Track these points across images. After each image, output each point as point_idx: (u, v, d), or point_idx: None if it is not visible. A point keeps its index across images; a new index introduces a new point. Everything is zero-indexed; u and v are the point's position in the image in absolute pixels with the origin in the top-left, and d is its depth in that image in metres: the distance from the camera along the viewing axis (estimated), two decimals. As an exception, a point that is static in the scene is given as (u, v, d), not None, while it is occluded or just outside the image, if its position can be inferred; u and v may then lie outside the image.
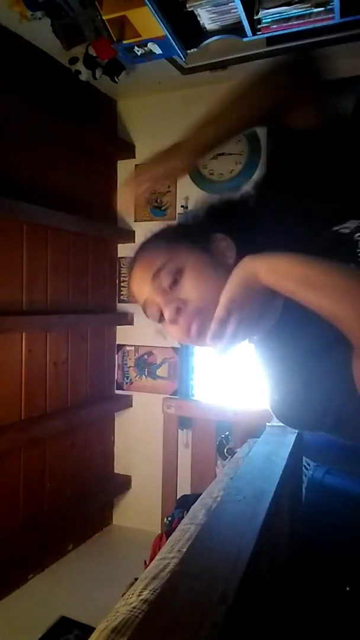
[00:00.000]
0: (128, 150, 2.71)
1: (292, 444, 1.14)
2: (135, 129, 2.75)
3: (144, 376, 2.72)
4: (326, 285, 0.61)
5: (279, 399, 0.84)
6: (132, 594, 0.80)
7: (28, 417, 2.16)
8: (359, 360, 0.63)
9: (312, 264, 0.63)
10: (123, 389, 2.77)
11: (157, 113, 2.67)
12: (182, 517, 1.32)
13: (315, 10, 1.69)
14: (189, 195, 2.57)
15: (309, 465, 1.64)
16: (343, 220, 0.73)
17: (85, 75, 2.13)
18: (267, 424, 1.42)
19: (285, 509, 1.01)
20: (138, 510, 2.67)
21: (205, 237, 0.80)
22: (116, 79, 2.27)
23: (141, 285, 0.79)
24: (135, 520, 2.68)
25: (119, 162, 2.77)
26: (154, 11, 1.63)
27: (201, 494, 1.36)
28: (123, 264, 2.76)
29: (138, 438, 2.72)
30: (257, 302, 0.70)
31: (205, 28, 1.83)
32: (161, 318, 0.78)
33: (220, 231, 0.80)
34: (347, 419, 0.71)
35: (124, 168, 2.76)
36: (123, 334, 2.76)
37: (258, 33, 1.79)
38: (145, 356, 2.71)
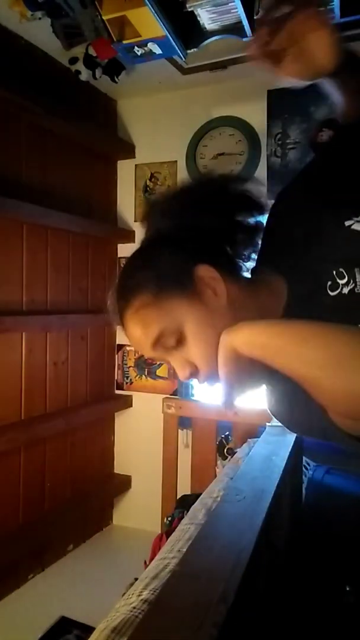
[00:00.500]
0: (128, 150, 2.72)
1: (292, 444, 1.14)
2: (135, 129, 2.75)
3: (144, 376, 2.72)
4: (299, 356, 0.60)
5: (275, 402, 0.84)
6: (132, 594, 0.80)
7: (28, 417, 2.16)
8: (331, 414, 0.65)
9: (287, 332, 0.63)
10: (123, 389, 2.77)
11: (157, 113, 2.67)
12: (182, 517, 1.32)
13: (315, 10, 1.69)
14: (189, 195, 2.57)
15: (309, 465, 1.64)
16: (356, 212, 0.72)
17: (85, 75, 2.13)
18: (267, 424, 1.42)
19: (285, 509, 1.02)
20: (138, 510, 2.67)
21: (185, 272, 0.72)
22: (116, 79, 2.27)
23: (141, 347, 0.75)
24: (135, 520, 2.68)
25: (119, 162, 2.77)
26: (154, 11, 1.63)
27: (201, 494, 1.36)
28: (123, 264, 2.75)
29: (138, 438, 2.72)
30: (251, 366, 0.67)
31: (205, 28, 1.83)
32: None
33: (197, 259, 0.73)
34: (331, 436, 0.71)
35: (124, 168, 2.76)
36: (123, 334, 2.75)
37: (258, 33, 1.78)
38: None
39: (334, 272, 0.73)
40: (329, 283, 0.73)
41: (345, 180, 0.75)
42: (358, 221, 0.71)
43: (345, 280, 0.72)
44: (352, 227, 0.72)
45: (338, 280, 0.72)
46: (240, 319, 0.67)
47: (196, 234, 0.74)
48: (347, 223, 0.72)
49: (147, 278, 0.73)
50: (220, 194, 0.79)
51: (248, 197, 0.79)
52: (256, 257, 0.83)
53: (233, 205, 0.79)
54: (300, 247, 0.77)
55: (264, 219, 0.84)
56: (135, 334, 0.74)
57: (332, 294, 0.73)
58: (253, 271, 0.82)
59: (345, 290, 0.72)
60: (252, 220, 0.82)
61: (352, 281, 0.72)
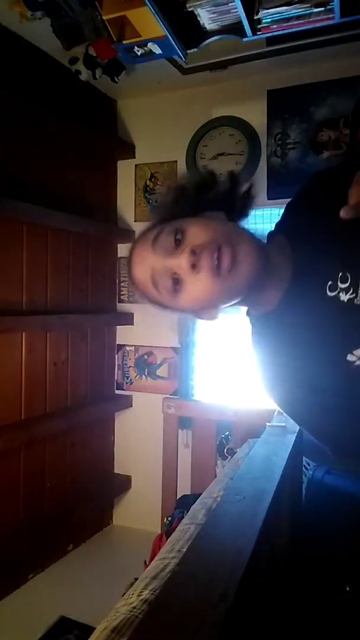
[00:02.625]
0: (128, 150, 2.72)
1: (292, 444, 1.14)
2: (135, 129, 2.75)
3: (144, 376, 2.72)
4: None
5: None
6: (132, 594, 0.80)
7: (28, 417, 2.16)
8: None
9: None
10: (123, 389, 2.78)
11: (157, 113, 2.68)
12: (182, 517, 1.32)
13: (315, 10, 1.69)
14: (189, 195, 2.57)
15: (309, 465, 1.64)
16: None
17: (85, 75, 2.13)
18: (267, 424, 1.42)
19: (285, 509, 1.02)
20: (138, 510, 2.67)
21: (195, 207, 0.79)
22: (116, 79, 2.27)
23: (143, 260, 0.75)
24: (135, 520, 2.68)
25: (119, 162, 2.77)
26: (154, 11, 1.63)
27: (201, 494, 1.36)
28: (123, 264, 2.76)
29: (138, 438, 2.72)
30: None
31: (205, 28, 1.83)
32: (175, 287, 0.72)
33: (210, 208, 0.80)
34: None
35: (124, 168, 2.76)
36: (123, 334, 2.76)
37: (258, 33, 1.78)
38: (145, 356, 2.71)
39: (339, 274, 0.72)
40: (330, 283, 0.73)
41: None
42: None
43: (347, 285, 0.71)
44: None
45: (339, 283, 0.72)
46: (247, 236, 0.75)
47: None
48: None
49: (160, 214, 0.81)
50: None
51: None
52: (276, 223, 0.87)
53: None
54: (316, 236, 0.77)
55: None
56: (136, 248, 0.79)
57: (329, 294, 0.73)
58: (269, 234, 0.85)
59: (344, 297, 0.71)
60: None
61: (352, 290, 0.71)
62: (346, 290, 0.71)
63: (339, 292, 0.72)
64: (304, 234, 0.79)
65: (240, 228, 0.78)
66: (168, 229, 0.73)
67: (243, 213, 0.85)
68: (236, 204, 0.84)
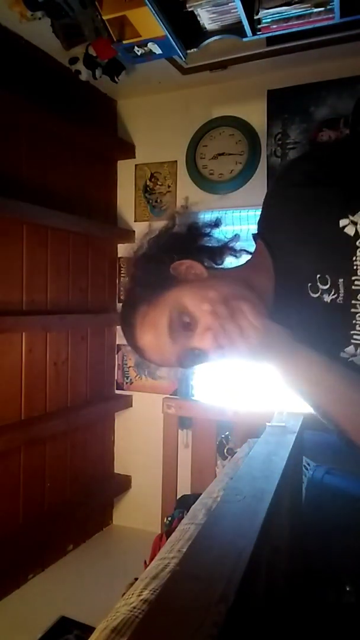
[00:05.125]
0: (128, 150, 2.72)
1: (292, 444, 1.14)
2: (135, 129, 2.75)
3: (144, 376, 2.71)
4: (328, 387, 0.72)
5: None
6: (132, 594, 0.80)
7: (28, 417, 2.16)
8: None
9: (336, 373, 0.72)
10: (123, 389, 2.77)
11: (157, 113, 2.67)
12: (182, 517, 1.32)
13: (315, 10, 1.69)
14: (189, 195, 2.57)
15: (309, 465, 1.64)
16: (353, 209, 0.70)
17: (85, 75, 2.13)
18: (267, 424, 1.42)
19: (285, 509, 1.02)
20: (138, 510, 2.67)
21: (163, 272, 0.78)
22: (116, 79, 2.27)
23: (161, 348, 0.77)
24: (135, 520, 2.68)
25: (119, 162, 2.77)
26: (154, 11, 1.63)
27: (201, 494, 1.36)
28: (123, 264, 2.76)
29: (138, 438, 2.72)
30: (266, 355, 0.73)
31: (205, 28, 1.83)
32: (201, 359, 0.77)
33: (170, 259, 0.79)
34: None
35: (124, 168, 2.76)
36: (123, 336, 2.76)
37: (258, 33, 1.79)
38: (145, 356, 2.71)
39: (317, 276, 0.73)
40: (309, 284, 0.73)
41: (346, 176, 0.74)
42: (353, 222, 0.70)
43: (327, 287, 0.72)
44: (345, 230, 0.70)
45: (319, 284, 0.73)
46: (231, 280, 0.75)
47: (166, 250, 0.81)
48: (341, 223, 0.71)
49: (135, 295, 0.79)
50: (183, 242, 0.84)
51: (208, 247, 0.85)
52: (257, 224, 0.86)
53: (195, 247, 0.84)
54: (293, 238, 0.77)
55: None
56: (149, 339, 0.77)
57: (312, 295, 0.74)
58: (253, 236, 0.85)
59: (327, 298, 0.72)
60: (216, 244, 0.86)
61: (334, 291, 0.71)
62: (328, 292, 0.72)
63: (321, 294, 0.73)
64: (280, 236, 0.79)
65: (228, 281, 0.77)
66: (175, 313, 0.73)
67: (220, 255, 0.85)
68: (208, 250, 0.85)
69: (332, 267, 0.72)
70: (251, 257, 0.84)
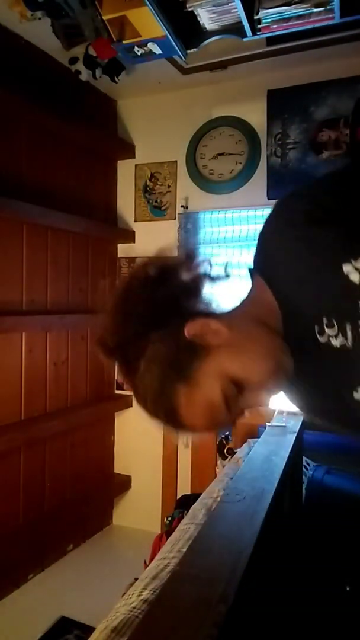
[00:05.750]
0: (128, 150, 2.72)
1: (292, 444, 1.14)
2: (135, 129, 2.75)
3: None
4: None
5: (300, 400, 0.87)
6: (132, 594, 0.80)
7: (28, 417, 2.16)
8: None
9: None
10: (123, 389, 2.77)
11: (157, 113, 2.67)
12: (182, 517, 1.32)
13: (315, 10, 1.69)
14: (188, 195, 2.58)
15: (309, 465, 1.64)
16: (356, 255, 0.68)
17: (85, 75, 2.13)
18: (267, 424, 1.42)
19: (285, 509, 1.02)
20: (138, 510, 2.67)
21: (182, 346, 0.71)
22: (116, 79, 2.27)
23: (219, 419, 0.74)
24: (135, 520, 2.68)
25: (119, 162, 2.77)
26: (154, 11, 1.63)
27: (201, 494, 1.36)
28: (123, 264, 2.76)
29: (138, 438, 2.72)
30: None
31: (205, 28, 1.83)
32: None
33: (177, 329, 0.71)
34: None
35: (124, 168, 2.76)
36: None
37: (258, 33, 1.79)
38: (145, 356, 2.71)
39: (324, 319, 0.71)
40: (317, 327, 0.72)
41: (346, 215, 0.71)
42: (357, 268, 0.67)
43: (335, 331, 0.71)
44: (350, 276, 0.68)
45: (326, 329, 0.71)
46: (253, 328, 0.73)
47: (153, 320, 0.73)
48: (345, 268, 0.68)
49: (164, 376, 0.73)
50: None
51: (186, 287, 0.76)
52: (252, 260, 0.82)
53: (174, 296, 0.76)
54: (295, 278, 0.74)
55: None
56: (203, 417, 0.73)
57: (321, 340, 0.72)
58: (250, 271, 0.81)
59: (336, 343, 0.71)
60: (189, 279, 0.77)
61: (341, 335, 0.70)
62: (335, 336, 0.71)
63: (329, 339, 0.72)
64: (280, 274, 0.76)
65: (251, 329, 0.75)
66: (223, 385, 0.72)
67: (195, 289, 0.77)
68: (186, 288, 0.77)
69: (337, 311, 0.70)
70: (251, 293, 0.80)
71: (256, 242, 0.81)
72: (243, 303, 0.79)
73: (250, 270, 0.81)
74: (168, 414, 0.75)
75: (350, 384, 0.73)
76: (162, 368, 0.72)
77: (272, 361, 0.72)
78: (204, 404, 0.71)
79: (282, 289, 0.75)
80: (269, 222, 0.79)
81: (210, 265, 0.79)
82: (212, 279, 0.78)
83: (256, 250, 0.81)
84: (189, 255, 0.79)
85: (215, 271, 0.78)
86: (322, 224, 0.70)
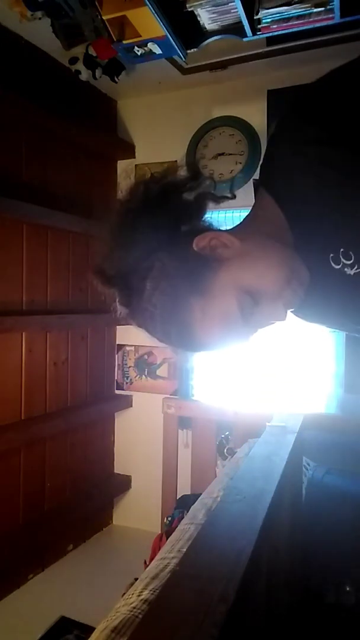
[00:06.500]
0: (128, 150, 2.72)
1: (292, 444, 1.14)
2: (135, 129, 2.75)
3: (144, 376, 2.72)
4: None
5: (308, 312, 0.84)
6: (132, 594, 0.80)
7: (28, 417, 2.16)
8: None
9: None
10: (123, 389, 2.77)
11: (157, 113, 2.67)
12: (182, 517, 1.32)
13: (315, 10, 1.69)
14: (189, 195, 2.57)
15: (309, 465, 1.64)
16: None
17: (85, 75, 2.13)
18: (267, 423, 1.42)
19: (285, 509, 1.02)
20: (138, 510, 2.67)
21: (191, 258, 0.69)
22: (116, 79, 2.27)
23: (236, 333, 0.72)
24: (135, 520, 2.68)
25: (119, 162, 2.77)
26: (154, 11, 1.63)
27: (201, 494, 1.36)
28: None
29: (138, 438, 2.72)
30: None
31: (205, 28, 1.83)
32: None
33: (183, 241, 0.70)
34: None
35: (124, 168, 2.76)
36: (123, 334, 2.76)
37: (258, 33, 1.78)
38: (145, 356, 2.71)
39: (340, 250, 0.69)
40: (331, 255, 0.70)
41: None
42: None
43: (351, 262, 0.69)
44: None
45: (342, 258, 0.70)
46: (264, 239, 0.71)
47: (158, 240, 0.70)
48: None
49: (176, 290, 0.69)
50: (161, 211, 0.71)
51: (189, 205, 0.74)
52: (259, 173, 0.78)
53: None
54: (312, 206, 0.70)
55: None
56: (220, 330, 0.71)
57: (334, 266, 0.71)
58: (255, 182, 0.78)
59: (350, 271, 0.70)
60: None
61: (357, 266, 0.69)
62: (351, 266, 0.69)
63: (343, 267, 0.70)
64: (295, 197, 0.71)
65: (264, 240, 0.72)
66: (239, 296, 0.70)
67: (199, 207, 0.74)
68: (188, 206, 0.74)
69: (356, 244, 0.69)
70: (257, 208, 0.77)
71: (264, 154, 0.76)
72: (249, 217, 0.77)
73: (255, 182, 0.78)
74: (181, 332, 0.71)
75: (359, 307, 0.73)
76: (174, 284, 0.69)
77: (287, 269, 0.70)
78: (221, 316, 0.69)
79: (296, 210, 0.72)
80: (279, 139, 0.74)
81: (214, 183, 0.75)
82: (216, 198, 0.75)
83: (263, 163, 0.77)
84: (192, 173, 0.75)
85: (219, 190, 0.76)
86: (335, 160, 0.66)
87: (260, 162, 0.77)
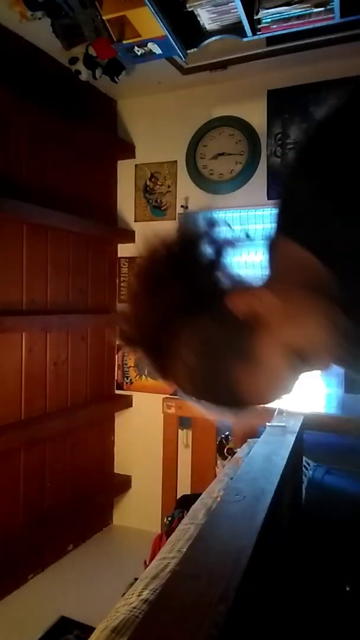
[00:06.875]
0: (128, 150, 2.72)
1: (292, 444, 1.14)
2: (135, 129, 2.75)
3: (144, 376, 2.72)
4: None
5: None
6: (132, 594, 0.80)
7: (28, 417, 2.16)
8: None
9: None
10: (123, 389, 2.77)
11: (157, 113, 2.67)
12: (182, 517, 1.32)
13: (315, 10, 1.69)
14: (189, 195, 2.58)
15: (309, 465, 1.64)
16: None
17: (85, 75, 2.13)
18: (267, 424, 1.42)
19: (285, 509, 1.02)
20: (138, 510, 2.67)
21: (229, 322, 0.63)
22: (116, 79, 2.27)
23: (286, 389, 0.69)
24: (135, 520, 2.68)
25: (119, 162, 2.77)
26: (154, 11, 1.63)
27: (201, 494, 1.36)
28: (123, 264, 2.76)
29: (138, 438, 2.72)
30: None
31: (205, 28, 1.83)
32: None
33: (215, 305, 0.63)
34: None
35: (124, 168, 2.76)
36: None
37: (258, 33, 1.79)
38: (145, 356, 2.71)
39: None
40: None
41: None
42: None
43: None
44: None
45: None
46: (304, 294, 0.63)
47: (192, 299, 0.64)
48: None
49: (220, 362, 0.65)
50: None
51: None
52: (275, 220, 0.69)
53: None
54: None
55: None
56: (271, 392, 0.69)
57: None
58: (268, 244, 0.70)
59: None
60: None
61: None
62: None
63: None
64: (333, 240, 0.63)
65: (301, 298, 0.65)
66: (287, 358, 0.66)
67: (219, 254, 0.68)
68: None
69: None
70: (279, 259, 0.68)
71: (277, 202, 0.68)
72: (277, 269, 0.68)
73: (270, 242, 0.70)
74: (223, 393, 0.67)
75: None
76: (213, 348, 0.64)
77: (333, 328, 0.63)
78: (270, 380, 0.66)
79: (334, 249, 0.63)
80: (297, 175, 0.66)
81: (232, 229, 0.69)
82: (234, 245, 0.69)
83: (280, 211, 0.69)
84: (209, 223, 0.69)
85: (235, 236, 0.68)
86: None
87: (278, 211, 0.69)
